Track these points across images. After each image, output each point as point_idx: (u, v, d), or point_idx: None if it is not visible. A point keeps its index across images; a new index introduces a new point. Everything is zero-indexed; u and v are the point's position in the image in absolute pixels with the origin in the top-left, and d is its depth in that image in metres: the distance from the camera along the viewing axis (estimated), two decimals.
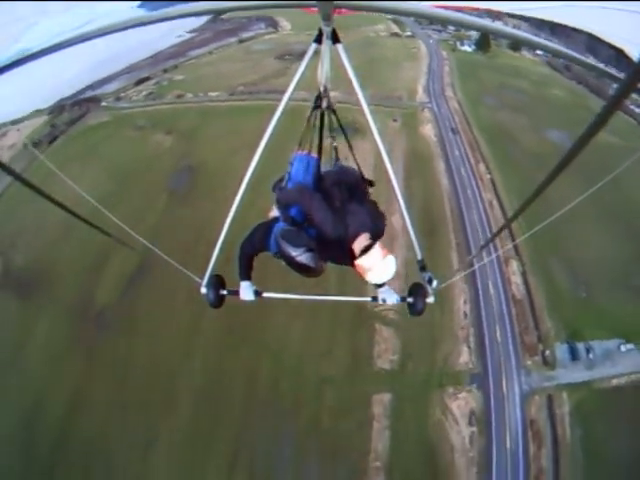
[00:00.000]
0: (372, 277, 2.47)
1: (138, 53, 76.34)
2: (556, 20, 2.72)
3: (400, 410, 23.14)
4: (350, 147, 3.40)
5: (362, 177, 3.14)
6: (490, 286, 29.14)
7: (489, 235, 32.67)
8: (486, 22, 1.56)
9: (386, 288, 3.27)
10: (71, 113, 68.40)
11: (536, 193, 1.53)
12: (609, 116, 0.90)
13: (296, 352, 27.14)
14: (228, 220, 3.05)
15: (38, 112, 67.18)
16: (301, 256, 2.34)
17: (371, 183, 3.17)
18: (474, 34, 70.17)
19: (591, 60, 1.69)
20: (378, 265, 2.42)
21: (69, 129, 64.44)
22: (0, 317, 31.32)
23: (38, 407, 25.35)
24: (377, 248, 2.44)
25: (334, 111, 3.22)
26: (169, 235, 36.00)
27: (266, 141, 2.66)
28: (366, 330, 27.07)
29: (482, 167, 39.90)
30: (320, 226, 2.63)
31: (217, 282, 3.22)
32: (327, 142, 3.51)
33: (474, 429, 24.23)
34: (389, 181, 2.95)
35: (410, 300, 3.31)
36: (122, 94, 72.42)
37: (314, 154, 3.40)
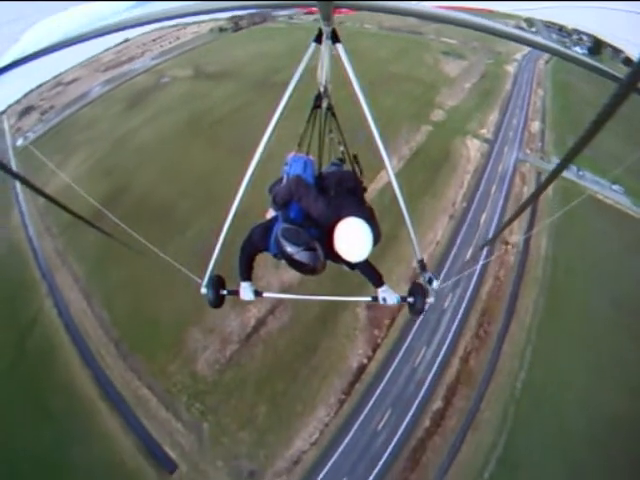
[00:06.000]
0: (343, 250, 2.44)
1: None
2: (556, 20, 2.68)
3: (434, 141, 39.84)
4: (348, 151, 3.34)
5: (359, 182, 3.13)
6: (514, 120, 44.66)
7: (525, 110, 48.25)
8: (487, 22, 1.56)
9: (386, 288, 3.26)
10: (250, 20, 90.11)
11: (529, 200, 1.47)
12: (610, 115, 0.87)
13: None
14: (228, 221, 3.06)
15: (213, 21, 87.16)
16: (299, 254, 2.35)
17: (365, 189, 3.20)
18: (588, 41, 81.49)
19: (591, 60, 1.72)
20: (349, 236, 2.41)
21: (250, 27, 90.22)
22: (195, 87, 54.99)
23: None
24: (353, 219, 2.44)
25: (333, 114, 3.19)
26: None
27: (266, 140, 2.72)
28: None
29: (540, 91, 55.29)
30: (314, 213, 2.65)
31: (217, 282, 3.28)
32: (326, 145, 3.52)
33: (478, 153, 37.56)
34: (391, 184, 3.05)
35: (410, 300, 3.32)
36: (294, 16, 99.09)
37: (310, 156, 3.36)
